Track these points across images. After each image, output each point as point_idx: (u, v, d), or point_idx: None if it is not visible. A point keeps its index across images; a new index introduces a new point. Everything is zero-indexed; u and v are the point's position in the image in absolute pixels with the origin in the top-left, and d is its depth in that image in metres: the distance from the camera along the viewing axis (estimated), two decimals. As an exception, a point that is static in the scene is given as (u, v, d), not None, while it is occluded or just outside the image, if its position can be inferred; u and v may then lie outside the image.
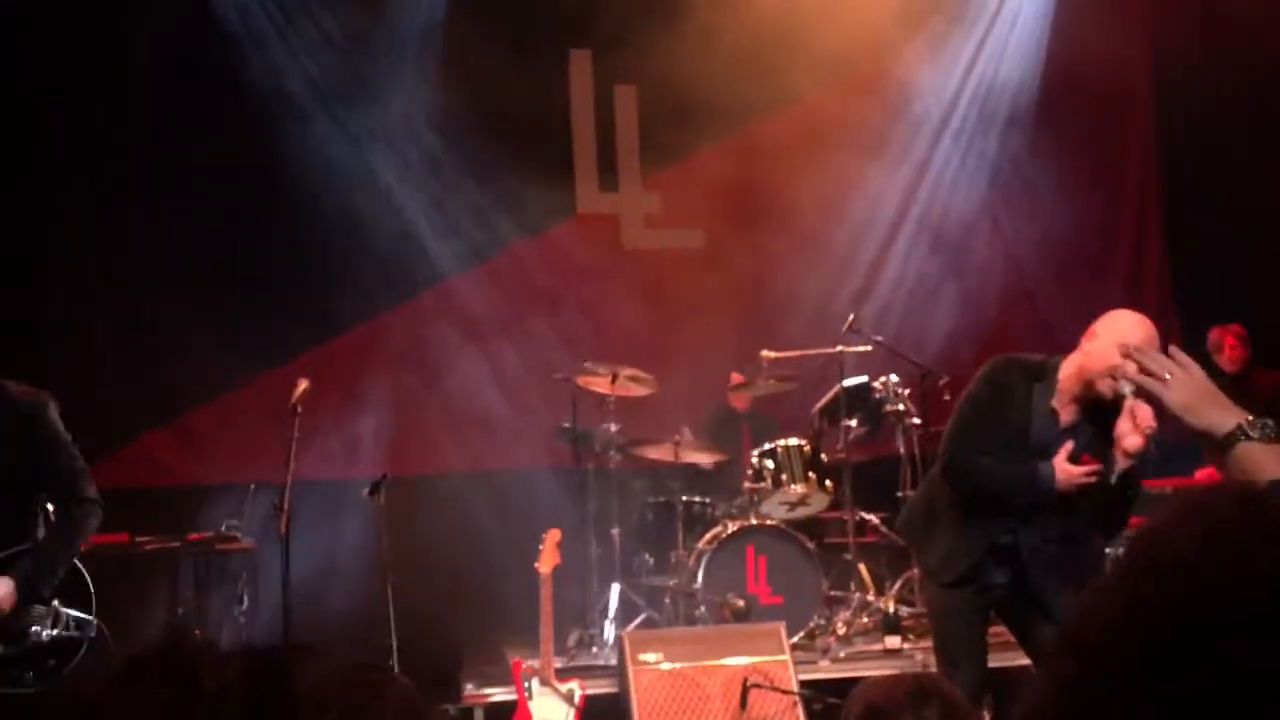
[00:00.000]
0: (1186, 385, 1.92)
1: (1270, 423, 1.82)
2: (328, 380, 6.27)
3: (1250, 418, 1.83)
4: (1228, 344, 7.14)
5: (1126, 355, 2.03)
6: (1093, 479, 3.63)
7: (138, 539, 6.25)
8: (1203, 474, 6.12)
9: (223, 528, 6.49)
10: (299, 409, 4.80)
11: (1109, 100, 8.55)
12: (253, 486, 6.73)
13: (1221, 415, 1.86)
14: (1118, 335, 3.52)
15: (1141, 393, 2.05)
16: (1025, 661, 4.40)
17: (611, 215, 8.41)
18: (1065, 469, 3.68)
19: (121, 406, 7.23)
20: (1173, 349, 2.01)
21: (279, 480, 6.80)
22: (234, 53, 7.47)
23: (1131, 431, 3.44)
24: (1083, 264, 8.42)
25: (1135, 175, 8.74)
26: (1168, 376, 1.93)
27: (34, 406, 3.63)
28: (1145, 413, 3.37)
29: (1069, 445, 3.71)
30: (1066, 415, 3.77)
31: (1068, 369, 3.77)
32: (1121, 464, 3.53)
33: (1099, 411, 3.71)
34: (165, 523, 6.47)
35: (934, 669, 5.65)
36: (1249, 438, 1.80)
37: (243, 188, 7.45)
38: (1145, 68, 8.63)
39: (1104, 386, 3.60)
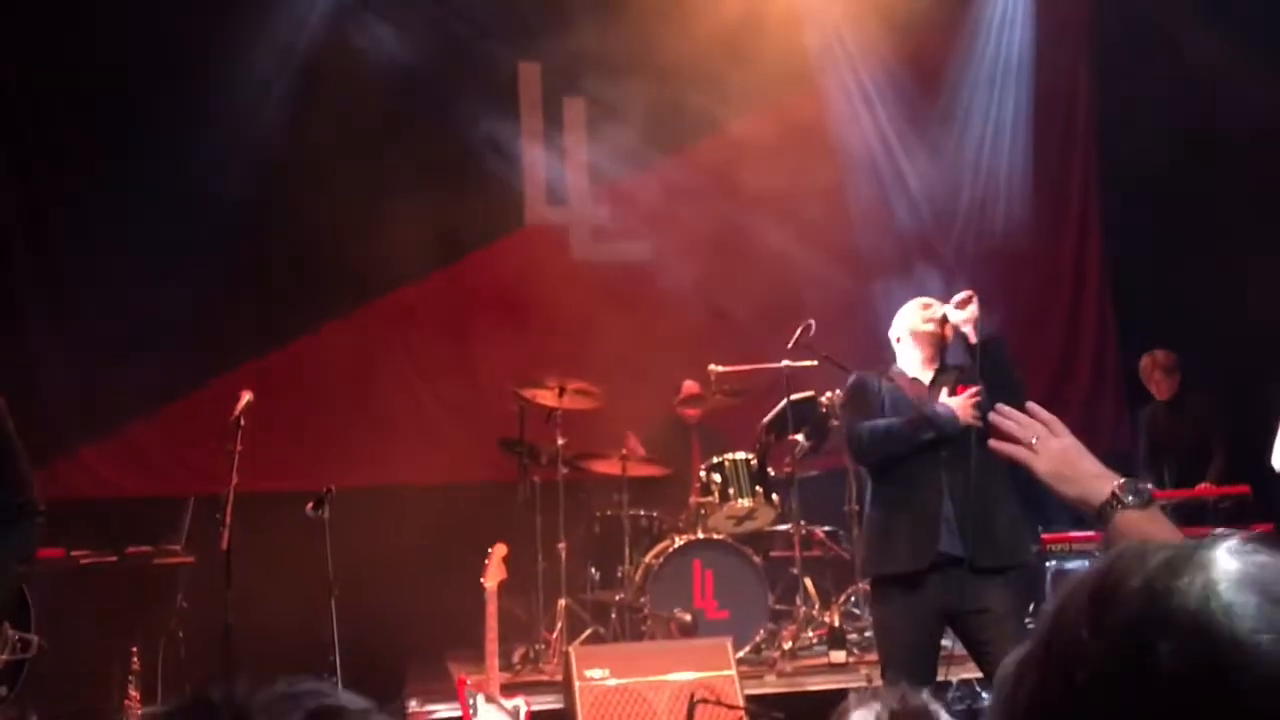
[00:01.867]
0: (1054, 452, 1.75)
1: (1145, 485, 1.69)
2: (270, 392, 6.17)
3: (1121, 481, 1.68)
4: (1156, 371, 7.31)
5: (1000, 414, 1.86)
6: (977, 398, 4.10)
7: (73, 553, 6.11)
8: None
9: (161, 542, 6.36)
10: (242, 422, 4.74)
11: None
12: (192, 499, 6.62)
13: (1093, 483, 1.70)
14: (905, 316, 4.41)
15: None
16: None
17: (560, 227, 8.40)
18: (949, 401, 4.20)
19: (58, 418, 7.09)
20: (1032, 406, 1.84)
21: (219, 493, 6.74)
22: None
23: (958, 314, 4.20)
24: (1031, 284, 8.56)
25: (1076, 205, 8.90)
26: (1034, 441, 1.76)
27: None
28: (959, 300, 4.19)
29: (944, 389, 4.28)
30: (926, 377, 4.37)
31: (903, 365, 4.43)
32: (968, 328, 4.16)
33: (950, 365, 4.39)
34: (102, 537, 6.33)
35: (874, 684, 5.73)
36: (1125, 505, 1.66)
37: (184, 194, 7.33)
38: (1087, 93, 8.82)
39: (927, 330, 4.31)
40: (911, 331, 4.37)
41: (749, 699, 5.49)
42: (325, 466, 6.97)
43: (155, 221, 7.25)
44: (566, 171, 8.37)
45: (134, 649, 4.76)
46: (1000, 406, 1.88)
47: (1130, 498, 1.66)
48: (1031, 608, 5.29)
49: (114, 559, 6.21)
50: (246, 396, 4.82)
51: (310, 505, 4.73)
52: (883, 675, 4.28)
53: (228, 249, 7.43)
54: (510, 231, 8.25)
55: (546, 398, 6.56)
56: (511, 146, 8.19)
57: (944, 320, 4.29)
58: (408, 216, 7.57)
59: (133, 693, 4.66)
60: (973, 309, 4.18)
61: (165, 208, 7.27)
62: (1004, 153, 8.65)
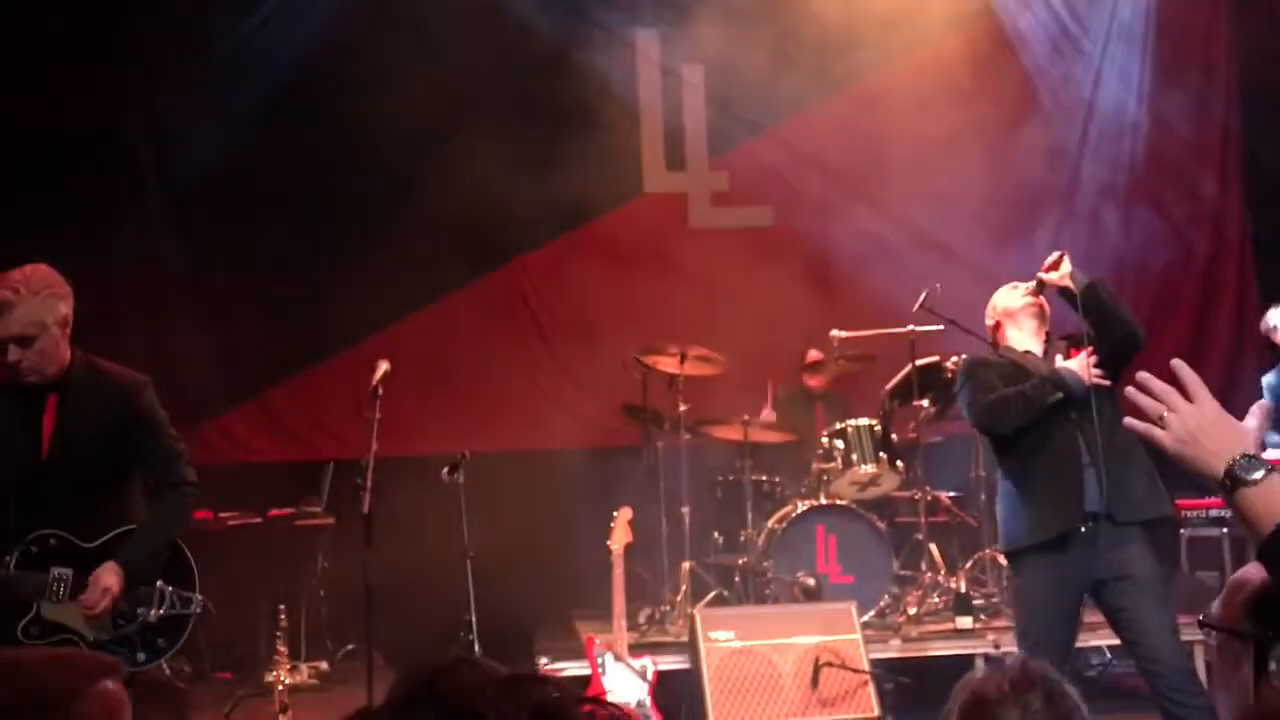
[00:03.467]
0: (1181, 426, 1.67)
1: (1260, 460, 1.60)
2: (402, 358, 6.36)
3: (1236, 458, 1.61)
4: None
5: (1137, 385, 1.77)
6: (1094, 357, 4.18)
7: (220, 514, 6.43)
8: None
9: (301, 504, 6.65)
10: (380, 390, 4.89)
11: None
12: (331, 464, 6.89)
13: (1211, 461, 1.63)
14: (1000, 300, 4.50)
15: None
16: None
17: (679, 194, 8.42)
18: (1068, 364, 4.25)
19: (199, 385, 7.42)
20: (1176, 364, 1.74)
21: (355, 457, 6.99)
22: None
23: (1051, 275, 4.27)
24: (1164, 261, 8.27)
25: (1217, 153, 8.52)
26: (1164, 413, 1.68)
27: (132, 388, 3.65)
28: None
29: (1057, 357, 4.36)
30: (1038, 349, 4.42)
31: (1012, 343, 4.46)
32: (1066, 283, 4.23)
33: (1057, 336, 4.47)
34: (247, 499, 6.64)
35: (1007, 649, 5.68)
36: (1242, 483, 1.59)
37: (317, 161, 7.56)
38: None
39: (1026, 303, 4.38)
40: (1011, 310, 4.45)
41: (873, 663, 5.51)
42: (453, 432, 7.19)
43: (289, 189, 7.49)
44: (685, 137, 8.37)
45: (281, 607, 4.98)
46: (1140, 376, 1.81)
47: (1248, 474, 1.61)
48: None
49: (258, 520, 6.52)
50: (384, 366, 4.97)
51: (446, 470, 4.88)
52: (1019, 643, 4.27)
53: (359, 217, 7.65)
54: (629, 198, 8.31)
55: (668, 364, 6.62)
56: (630, 113, 8.23)
57: (1039, 288, 4.36)
58: (529, 185, 7.68)
59: (281, 648, 4.89)
60: (1065, 265, 4.25)
61: (300, 175, 7.50)
62: (1140, 99, 8.32)
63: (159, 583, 3.62)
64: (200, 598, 3.68)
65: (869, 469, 6.47)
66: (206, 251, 7.65)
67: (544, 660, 5.91)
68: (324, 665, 6.52)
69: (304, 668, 6.35)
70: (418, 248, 7.76)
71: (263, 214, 7.54)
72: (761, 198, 8.31)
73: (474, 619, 4.60)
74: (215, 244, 7.58)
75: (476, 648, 4.57)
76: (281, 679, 4.79)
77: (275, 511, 6.54)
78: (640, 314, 7.62)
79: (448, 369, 7.72)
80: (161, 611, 3.60)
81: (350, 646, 6.84)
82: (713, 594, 6.52)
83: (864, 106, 8.05)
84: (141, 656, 3.59)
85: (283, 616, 4.92)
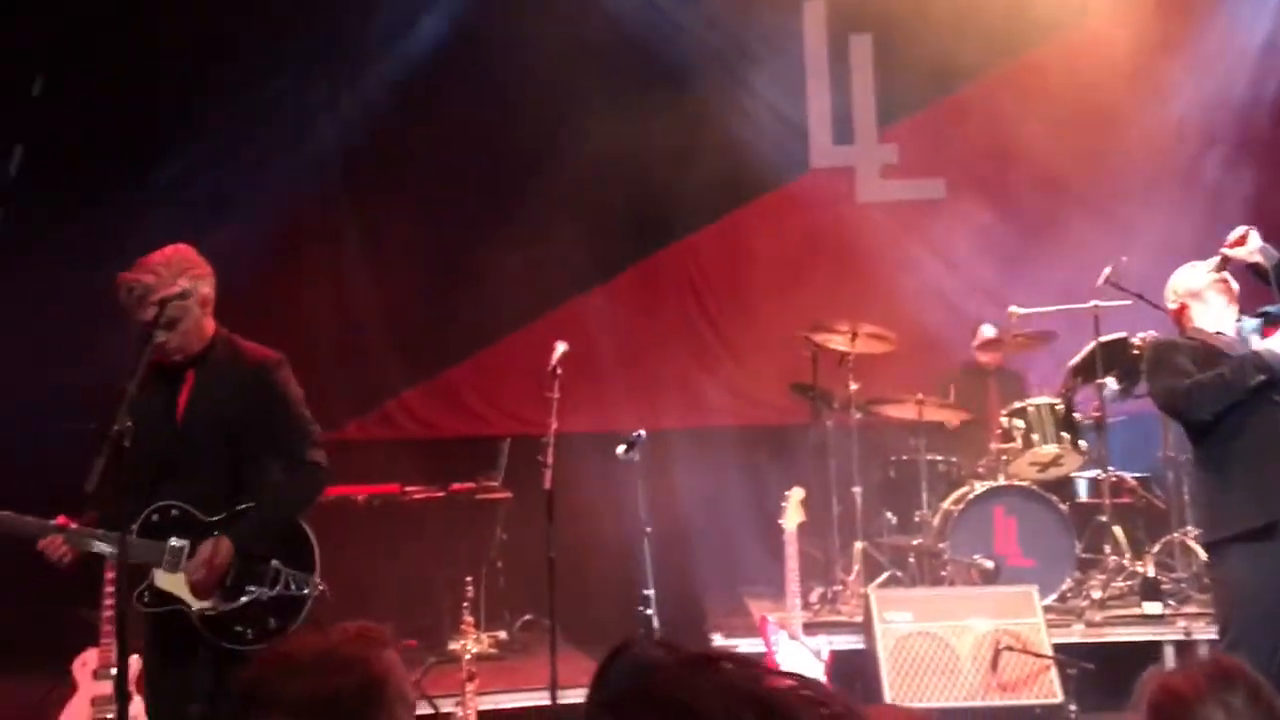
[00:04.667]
0: None
1: None
2: (573, 338, 6.48)
3: None
4: None
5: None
6: None
7: (406, 488, 6.70)
8: None
9: (480, 478, 6.87)
10: (558, 370, 5.00)
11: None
12: (508, 439, 7.09)
13: None
14: (1184, 279, 4.31)
15: None
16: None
17: (846, 168, 8.30)
18: (1266, 343, 4.07)
19: (382, 364, 7.73)
20: None
21: (529, 433, 7.16)
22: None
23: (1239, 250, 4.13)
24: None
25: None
26: None
27: (265, 366, 3.64)
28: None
29: (1253, 337, 4.16)
30: (1229, 328, 4.21)
31: (1200, 324, 4.25)
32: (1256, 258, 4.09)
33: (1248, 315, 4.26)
34: (430, 473, 6.89)
35: (1193, 637, 5.46)
36: None
37: (491, 149, 7.73)
38: None
39: (1212, 279, 4.20)
40: (1195, 290, 4.27)
41: (1056, 648, 5.37)
42: (624, 410, 7.31)
43: (465, 173, 7.68)
44: (853, 110, 8.24)
45: (468, 578, 5.16)
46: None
47: None
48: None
49: (440, 494, 6.77)
50: (562, 346, 5.08)
51: (622, 449, 4.96)
52: (1220, 637, 4.10)
53: (529, 200, 7.78)
54: (796, 174, 8.23)
55: (838, 342, 6.55)
56: (796, 88, 8.15)
57: (1222, 264, 4.22)
58: (696, 164, 7.70)
59: (468, 619, 5.07)
60: (1254, 240, 4.12)
61: (474, 159, 7.68)
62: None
63: (274, 562, 3.57)
64: (318, 581, 3.60)
65: (1050, 449, 6.28)
66: (384, 237, 7.92)
67: (717, 637, 5.97)
68: (503, 635, 6.73)
69: (484, 637, 6.57)
70: (587, 229, 7.87)
71: (438, 198, 7.77)
72: (932, 170, 8.12)
73: (651, 592, 4.68)
74: (393, 230, 7.84)
75: (655, 623, 4.65)
76: (468, 648, 4.97)
77: (457, 486, 6.77)
78: (808, 291, 7.56)
79: (618, 348, 7.81)
80: (274, 591, 3.55)
81: (528, 617, 7.03)
82: (885, 575, 6.47)
83: (1036, 75, 7.77)
84: (249, 634, 3.53)
85: (469, 588, 5.10)
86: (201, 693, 3.48)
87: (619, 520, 6.99)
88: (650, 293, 7.99)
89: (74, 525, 3.44)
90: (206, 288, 3.61)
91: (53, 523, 3.42)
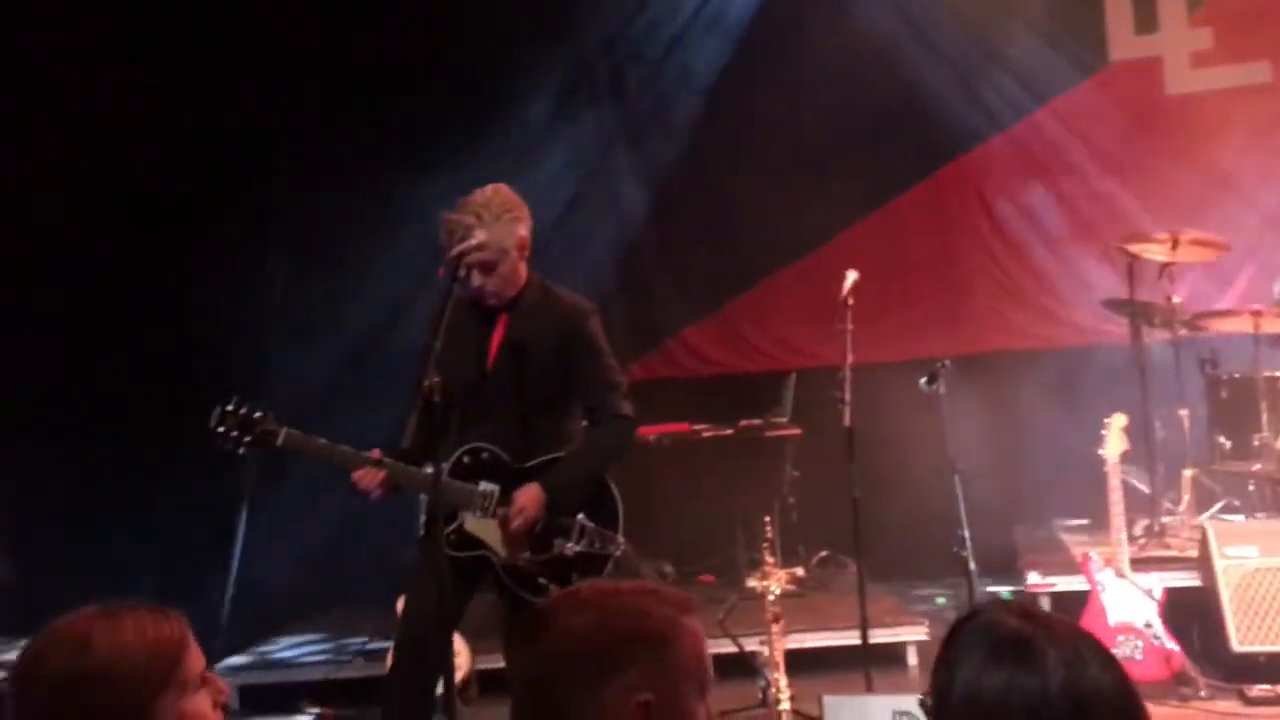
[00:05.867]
0: None
1: None
2: (856, 266, 6.21)
3: None
4: None
5: None
6: None
7: (695, 427, 6.65)
8: None
9: (767, 415, 6.73)
10: (850, 301, 4.76)
11: None
12: (793, 374, 6.91)
13: None
14: None
15: None
16: None
17: (1152, 59, 7.51)
18: None
19: (665, 304, 7.69)
20: None
21: (813, 366, 6.95)
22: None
23: None
24: None
25: None
26: None
27: (578, 316, 3.60)
28: None
29: None
30: None
31: None
32: None
33: None
34: (717, 411, 6.82)
35: None
36: None
37: (759, 83, 7.49)
38: None
39: None
40: None
41: None
42: (917, 338, 6.98)
43: (742, 111, 7.46)
44: (1157, -6, 7.43)
45: (767, 518, 5.05)
46: None
47: None
48: None
49: (729, 432, 6.68)
50: (852, 275, 4.81)
51: (924, 380, 4.67)
52: None
53: (798, 130, 7.49)
54: (1093, 71, 7.52)
55: (1157, 251, 5.95)
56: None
57: None
58: (981, 69, 7.19)
59: (769, 558, 4.96)
60: None
61: (745, 95, 7.43)
62: None
63: (580, 517, 3.50)
64: (623, 540, 3.51)
65: None
66: (662, 175, 7.82)
67: (1033, 575, 5.61)
68: (799, 571, 6.61)
69: (782, 574, 6.47)
70: (862, 152, 7.50)
71: (708, 134, 7.59)
72: (1254, 52, 7.22)
73: (966, 532, 4.39)
74: (670, 169, 7.73)
75: (971, 565, 4.37)
76: (771, 589, 4.86)
77: (745, 423, 6.67)
78: (1116, 198, 6.94)
79: (905, 274, 7.45)
80: (579, 547, 3.47)
81: (824, 553, 6.90)
82: (1219, 505, 5.89)
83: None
84: (553, 589, 3.43)
85: (769, 527, 4.98)
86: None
87: (915, 454, 6.68)
88: (937, 214, 7.52)
89: (388, 459, 3.43)
90: (524, 230, 3.54)
91: (368, 454, 3.42)
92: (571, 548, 3.47)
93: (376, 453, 3.41)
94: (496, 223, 3.44)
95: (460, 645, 4.89)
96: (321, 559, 6.69)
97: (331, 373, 7.04)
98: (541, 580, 3.48)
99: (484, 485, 3.49)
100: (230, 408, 3.40)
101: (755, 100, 7.46)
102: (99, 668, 1.49)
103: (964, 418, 5.99)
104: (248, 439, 3.38)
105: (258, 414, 3.40)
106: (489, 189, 3.50)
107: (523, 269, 3.59)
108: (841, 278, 4.83)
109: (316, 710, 5.51)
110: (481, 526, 3.49)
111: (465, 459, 3.52)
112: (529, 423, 3.53)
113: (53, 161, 6.80)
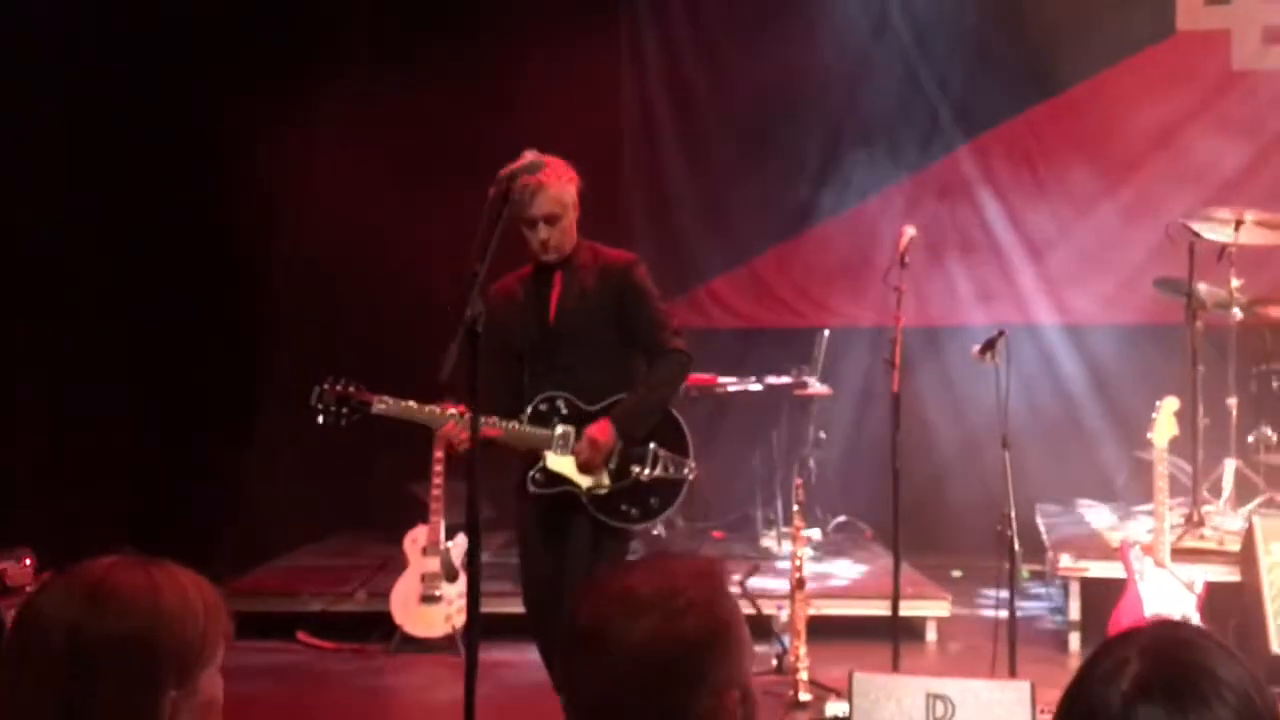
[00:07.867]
0: None
1: None
2: (894, 226, 5.96)
3: None
4: None
5: None
6: None
7: (720, 380, 6.43)
8: None
9: (796, 373, 6.52)
10: (905, 260, 4.52)
11: None
12: (825, 333, 6.69)
13: None
14: None
15: None
16: None
17: (1220, 31, 7.20)
18: None
19: (693, 253, 7.43)
20: None
21: (843, 325, 6.73)
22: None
23: None
24: None
25: None
26: None
27: (626, 264, 3.89)
28: None
29: None
30: None
31: None
32: None
33: None
34: (742, 365, 6.60)
35: None
36: None
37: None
38: None
39: None
40: None
41: None
42: (958, 303, 6.76)
43: (773, 44, 7.16)
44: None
45: (798, 481, 4.86)
46: None
47: None
48: None
49: (758, 387, 6.46)
50: (910, 232, 4.58)
51: (977, 349, 4.43)
52: None
53: (838, 92, 7.21)
54: (1158, 40, 7.20)
55: (1219, 232, 5.70)
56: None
57: None
58: (1036, 33, 6.90)
59: (798, 523, 4.78)
60: None
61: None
62: None
63: (651, 445, 3.78)
64: (693, 464, 3.80)
65: None
66: (695, 123, 7.54)
67: (1065, 559, 5.43)
68: (816, 534, 6.43)
69: (807, 536, 6.32)
70: (908, 113, 7.22)
71: (742, 85, 7.30)
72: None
73: (1012, 510, 4.18)
74: (708, 117, 7.45)
75: (1016, 545, 4.18)
76: (798, 555, 4.69)
77: (774, 379, 6.44)
78: (1175, 174, 6.67)
79: (941, 236, 7.18)
80: (655, 473, 3.75)
81: (842, 519, 6.73)
82: (1261, 498, 5.69)
83: None
84: (635, 513, 3.77)
85: (799, 489, 4.79)
86: (576, 565, 3.69)
87: (948, 424, 6.52)
88: (984, 177, 7.25)
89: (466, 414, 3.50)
90: (577, 193, 3.82)
91: (450, 411, 3.60)
92: (648, 473, 3.75)
93: (460, 407, 3.57)
94: (559, 182, 3.73)
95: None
96: (333, 484, 6.53)
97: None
98: (624, 506, 3.77)
99: (560, 428, 3.77)
100: (327, 386, 3.60)
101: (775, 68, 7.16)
102: (168, 623, 1.28)
103: (987, 390, 5.80)
104: (345, 411, 3.59)
105: (352, 387, 3.61)
106: (548, 157, 3.68)
107: (574, 230, 3.85)
108: (879, 235, 4.60)
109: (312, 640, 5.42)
110: (562, 463, 3.77)
111: (541, 407, 3.80)
112: (594, 369, 3.81)
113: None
